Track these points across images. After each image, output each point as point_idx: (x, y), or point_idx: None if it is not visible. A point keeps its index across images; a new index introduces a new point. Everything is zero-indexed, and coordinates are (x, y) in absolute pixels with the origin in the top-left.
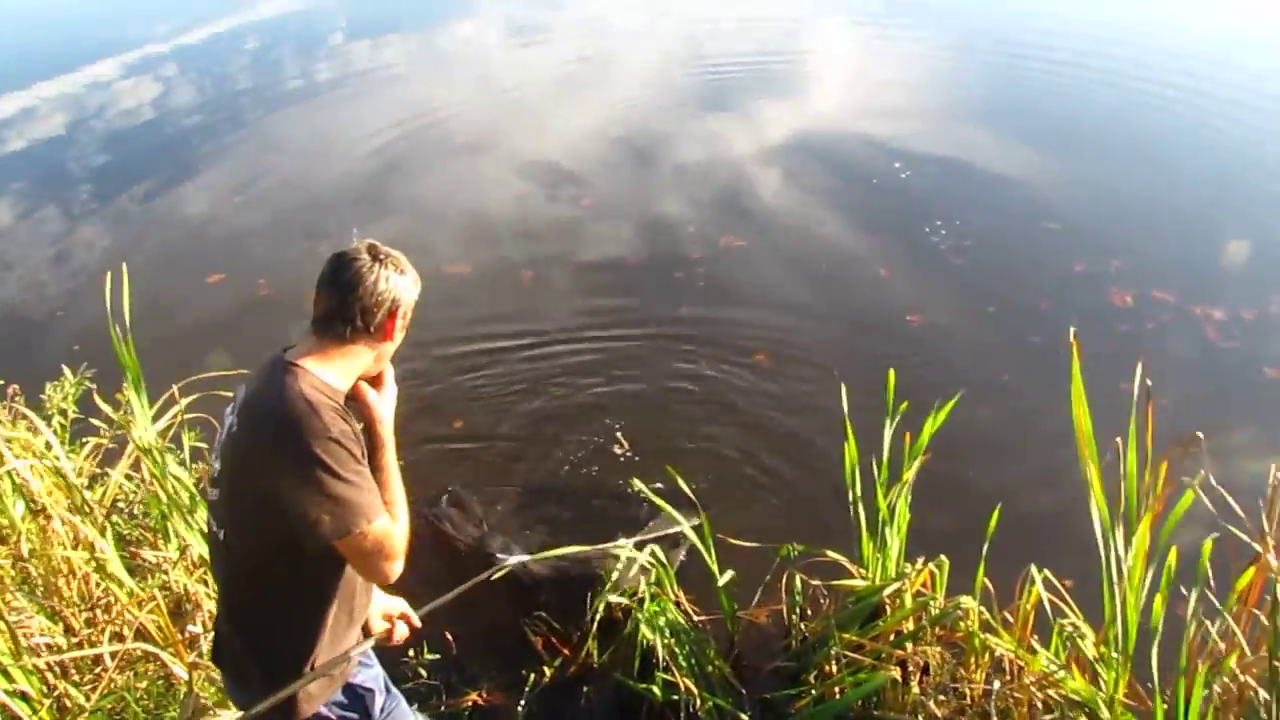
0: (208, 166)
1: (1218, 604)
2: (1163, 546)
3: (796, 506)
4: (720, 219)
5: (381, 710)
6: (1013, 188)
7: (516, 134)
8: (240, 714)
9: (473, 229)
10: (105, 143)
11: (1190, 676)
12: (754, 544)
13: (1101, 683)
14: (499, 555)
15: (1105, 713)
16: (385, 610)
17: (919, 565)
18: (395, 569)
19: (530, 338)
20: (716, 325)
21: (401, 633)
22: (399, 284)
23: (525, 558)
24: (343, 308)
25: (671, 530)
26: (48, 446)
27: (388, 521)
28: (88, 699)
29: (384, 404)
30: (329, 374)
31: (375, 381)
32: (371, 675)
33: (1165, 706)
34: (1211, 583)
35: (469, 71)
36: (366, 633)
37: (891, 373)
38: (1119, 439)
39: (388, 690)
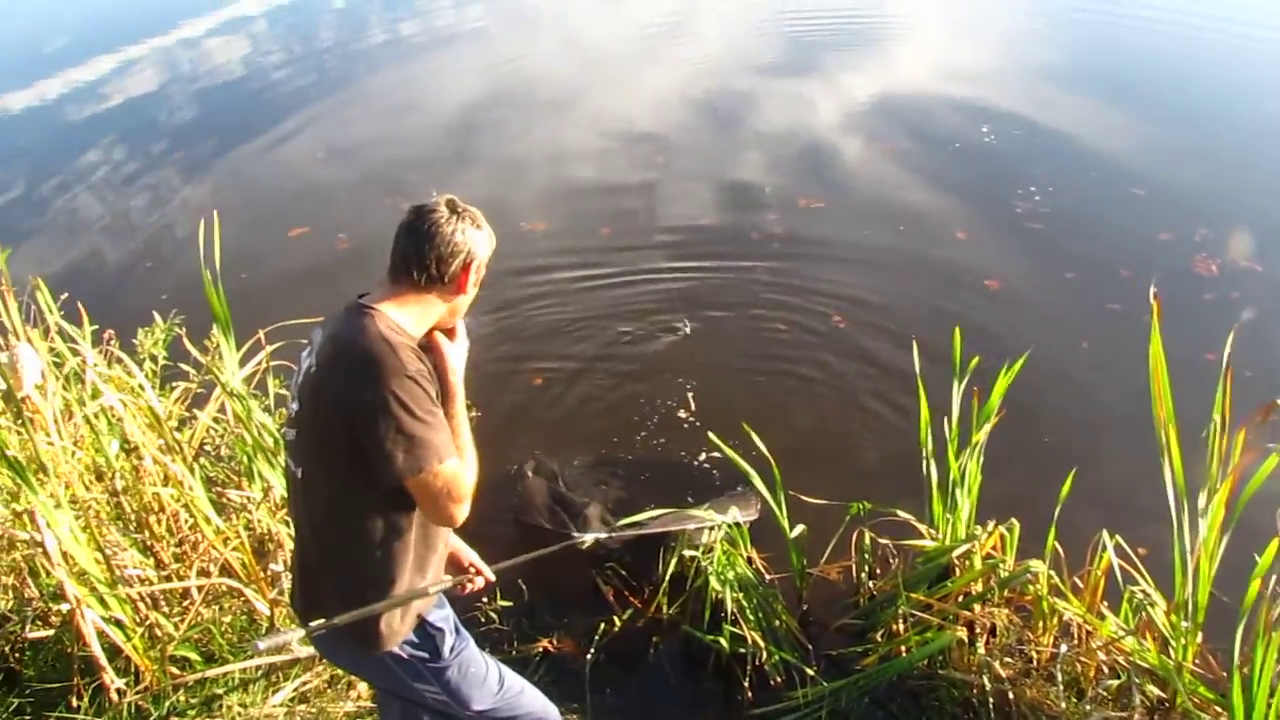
0: (292, 123)
1: None
2: (1238, 515)
3: (869, 466)
4: (798, 180)
5: (451, 650)
6: (1098, 152)
7: (599, 92)
8: (319, 623)
9: (553, 187)
10: (192, 101)
11: (1265, 646)
12: (824, 501)
13: (1171, 651)
14: (575, 534)
15: (1174, 680)
16: (457, 554)
17: (989, 527)
18: (462, 512)
19: (604, 290)
20: (791, 287)
21: (476, 584)
22: (475, 238)
23: (601, 534)
24: (419, 256)
25: (739, 495)
26: (140, 388)
27: (458, 464)
28: (176, 629)
29: (457, 354)
30: (404, 318)
31: (449, 334)
32: (442, 616)
33: (1240, 676)
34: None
35: (553, 29)
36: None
37: (957, 330)
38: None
39: (457, 631)
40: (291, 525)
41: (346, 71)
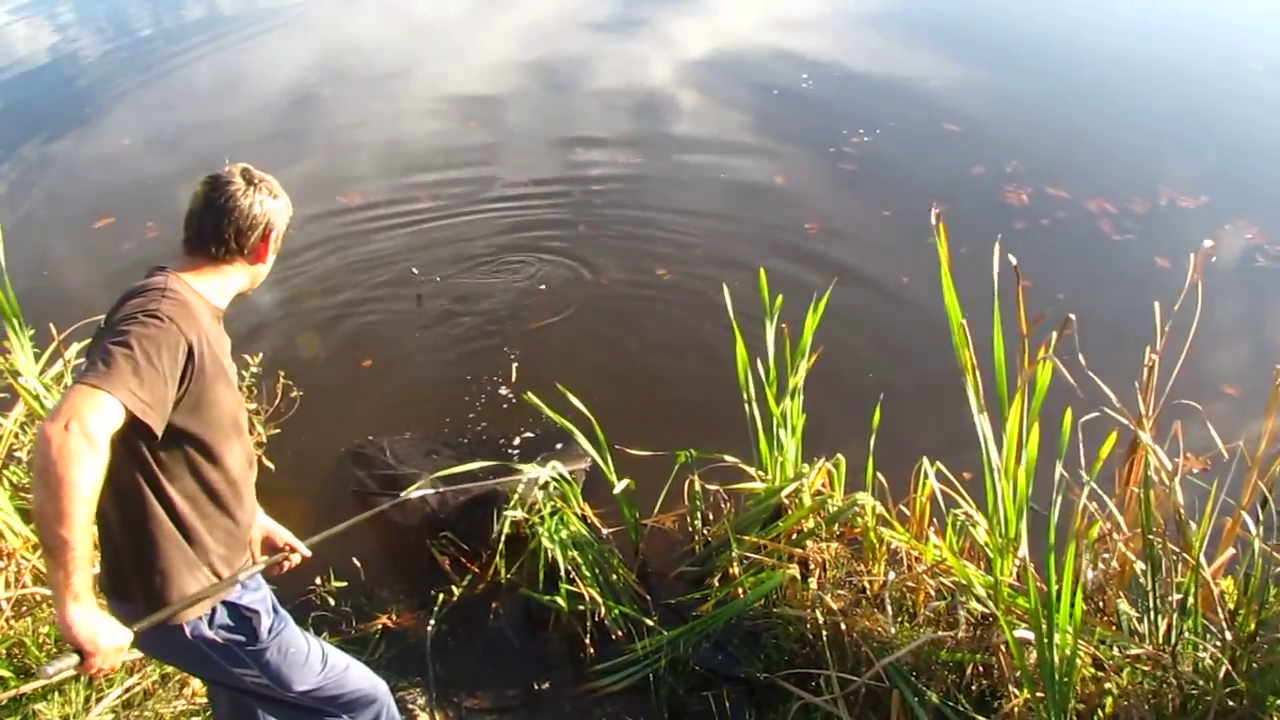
0: (100, 110)
1: (1091, 483)
2: (1030, 425)
3: (695, 414)
4: (619, 137)
5: (269, 631)
6: (916, 93)
7: (427, 63)
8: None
9: (373, 161)
10: None
11: (1063, 555)
12: (650, 452)
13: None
14: (401, 494)
15: (984, 595)
16: (271, 536)
17: (817, 465)
18: (57, 433)
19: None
20: (615, 240)
21: (292, 561)
22: (273, 207)
23: (428, 490)
24: (217, 230)
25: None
26: None
27: (114, 411)
28: None
29: (89, 627)
30: (204, 287)
31: None
32: (258, 598)
33: (1056, 587)
34: (1082, 462)
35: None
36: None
37: (762, 271)
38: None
39: (275, 612)
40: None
41: (158, 54)
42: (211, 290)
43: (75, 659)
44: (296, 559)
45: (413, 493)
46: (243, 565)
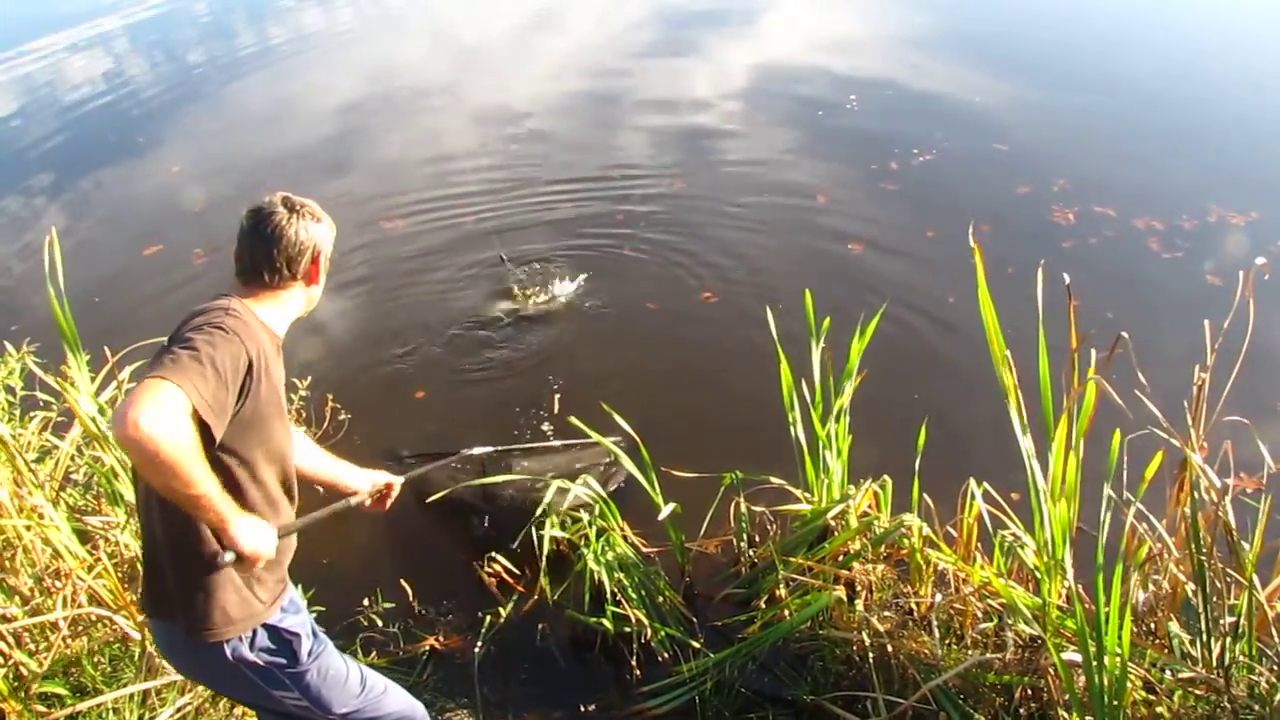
0: (149, 139)
1: (1137, 504)
2: (1076, 445)
3: (740, 436)
4: (665, 159)
5: (309, 654)
6: (959, 112)
7: (471, 90)
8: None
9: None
10: (46, 122)
11: (1111, 576)
12: (695, 474)
13: (1042, 589)
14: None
15: (1031, 617)
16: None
17: (863, 486)
18: (139, 416)
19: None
20: (659, 263)
21: (392, 492)
22: (317, 231)
23: (489, 449)
24: (269, 259)
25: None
26: None
27: (184, 402)
28: (40, 665)
29: (253, 536)
30: (264, 313)
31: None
32: (298, 621)
33: (1105, 609)
34: (1125, 481)
35: (422, 29)
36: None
37: (808, 293)
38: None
39: (315, 635)
40: (141, 523)
41: (206, 85)
42: (272, 317)
43: (234, 556)
44: (395, 492)
45: (473, 452)
46: (346, 499)
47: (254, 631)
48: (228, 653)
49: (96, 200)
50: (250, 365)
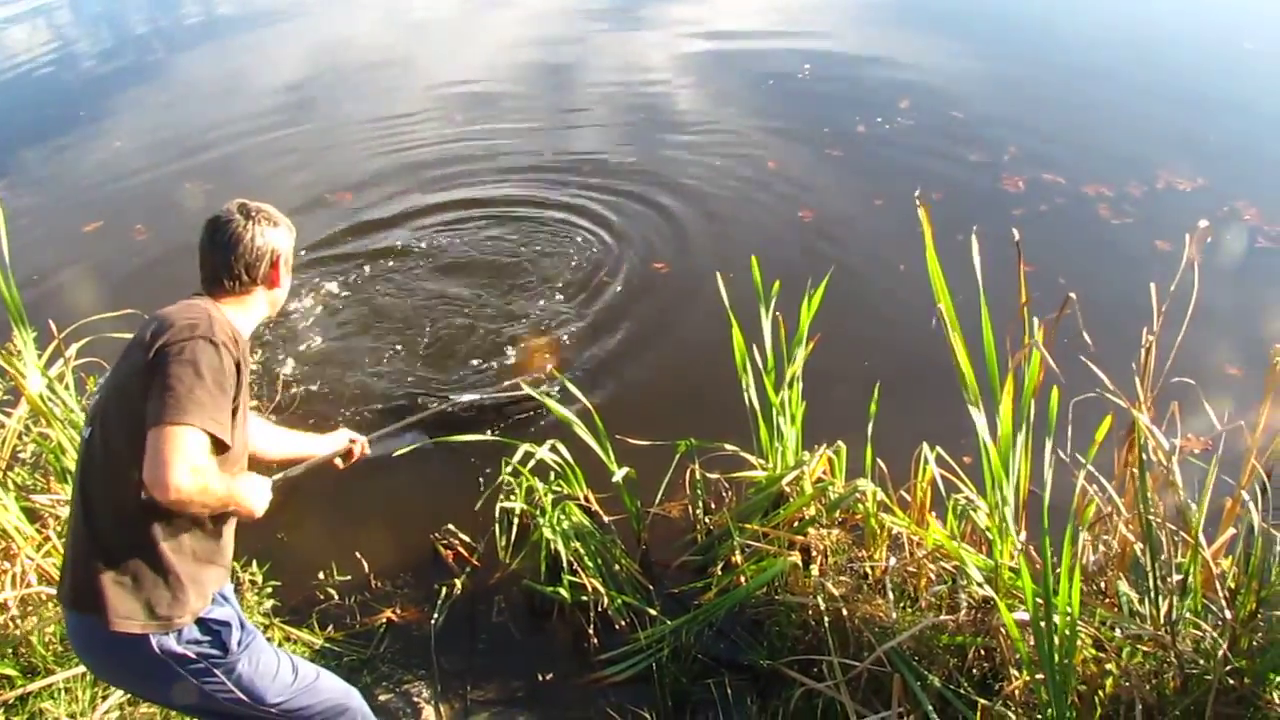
0: (90, 114)
1: (1088, 466)
2: (1024, 408)
3: (694, 404)
4: (615, 132)
5: (239, 644)
6: (910, 82)
7: (419, 60)
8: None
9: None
10: None
11: (1060, 538)
12: (649, 442)
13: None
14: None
15: (980, 579)
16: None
17: (817, 452)
18: (177, 481)
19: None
20: (613, 234)
21: (359, 450)
22: (275, 236)
23: (472, 396)
24: (228, 267)
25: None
26: None
27: (204, 442)
28: None
29: (255, 495)
30: (232, 316)
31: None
32: (227, 612)
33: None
34: (1075, 443)
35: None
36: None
37: (754, 259)
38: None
39: (243, 626)
40: (71, 508)
41: (153, 56)
42: (238, 320)
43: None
44: (358, 450)
45: (461, 399)
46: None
47: (181, 627)
48: (154, 646)
49: (36, 175)
50: (237, 370)
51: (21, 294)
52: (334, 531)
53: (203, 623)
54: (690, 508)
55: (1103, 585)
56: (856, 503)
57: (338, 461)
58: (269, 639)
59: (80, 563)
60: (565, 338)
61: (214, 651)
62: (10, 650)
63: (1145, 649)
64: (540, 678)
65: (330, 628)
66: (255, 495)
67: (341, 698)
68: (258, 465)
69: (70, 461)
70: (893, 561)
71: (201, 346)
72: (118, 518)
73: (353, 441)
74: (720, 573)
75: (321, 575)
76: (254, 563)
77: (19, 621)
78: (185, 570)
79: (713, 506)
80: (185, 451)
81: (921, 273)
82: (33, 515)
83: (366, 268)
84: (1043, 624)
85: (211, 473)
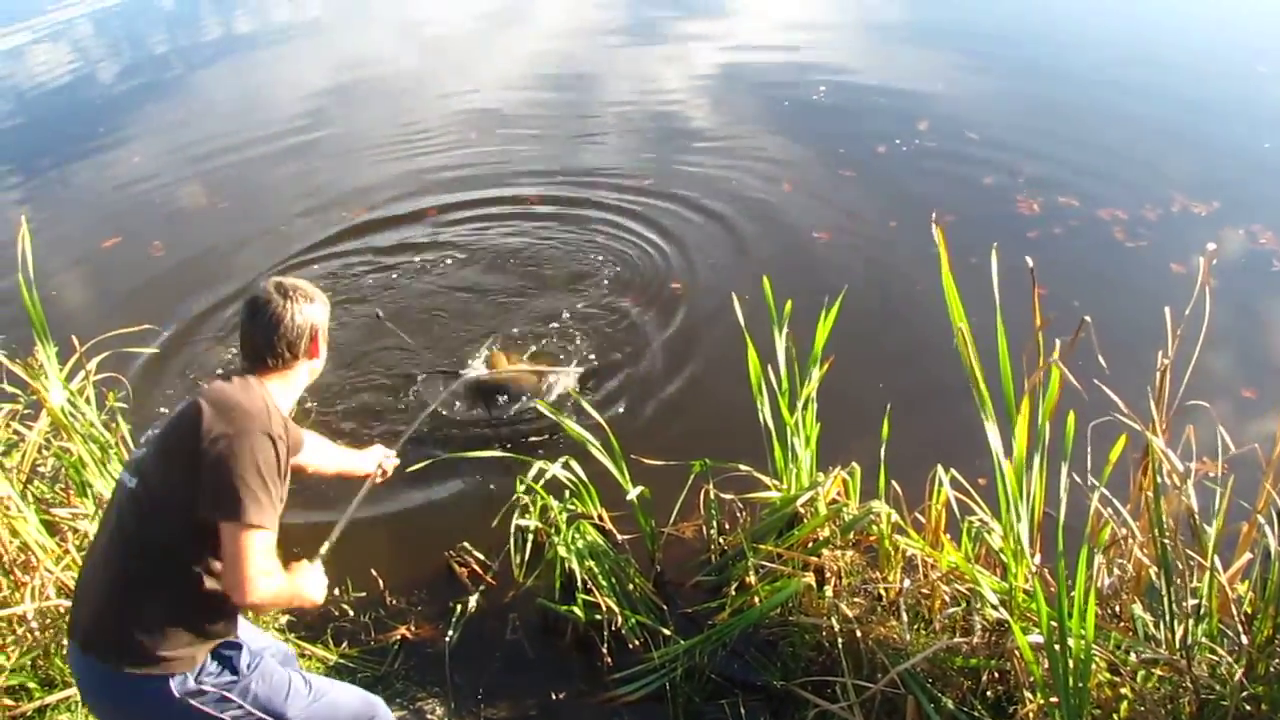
0: (109, 129)
1: (1101, 489)
2: (1040, 431)
3: (710, 425)
4: (632, 153)
5: (249, 666)
6: (927, 104)
7: (431, 79)
8: None
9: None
10: (3, 111)
11: (1075, 561)
12: (665, 462)
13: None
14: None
15: (995, 601)
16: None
17: (832, 473)
18: (253, 589)
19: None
20: (632, 254)
21: (386, 471)
22: (311, 312)
23: (480, 371)
24: (270, 346)
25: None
26: None
27: (271, 541)
28: (9, 658)
29: (314, 588)
30: (276, 393)
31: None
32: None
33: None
34: (1090, 466)
35: (388, 19)
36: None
37: (766, 280)
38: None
39: (249, 648)
40: (95, 550)
41: (170, 75)
42: (280, 395)
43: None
44: (389, 467)
45: (469, 373)
46: (366, 482)
47: (202, 663)
48: (174, 690)
49: (57, 192)
50: (287, 456)
51: (43, 308)
52: (349, 547)
53: (214, 652)
54: (705, 528)
55: (1117, 609)
56: (871, 524)
57: (379, 479)
58: None
59: (103, 609)
60: (582, 354)
61: (227, 676)
62: (29, 662)
63: (1160, 673)
64: (554, 696)
65: (345, 644)
66: (315, 588)
67: (363, 707)
68: (298, 476)
69: (91, 475)
70: (907, 583)
71: (262, 443)
72: (155, 573)
73: (382, 467)
74: (734, 593)
75: (336, 591)
76: None
77: (38, 634)
78: (209, 623)
79: (727, 527)
80: (259, 558)
81: (936, 294)
82: (52, 529)
83: (370, 278)
84: (1057, 647)
85: (278, 575)
